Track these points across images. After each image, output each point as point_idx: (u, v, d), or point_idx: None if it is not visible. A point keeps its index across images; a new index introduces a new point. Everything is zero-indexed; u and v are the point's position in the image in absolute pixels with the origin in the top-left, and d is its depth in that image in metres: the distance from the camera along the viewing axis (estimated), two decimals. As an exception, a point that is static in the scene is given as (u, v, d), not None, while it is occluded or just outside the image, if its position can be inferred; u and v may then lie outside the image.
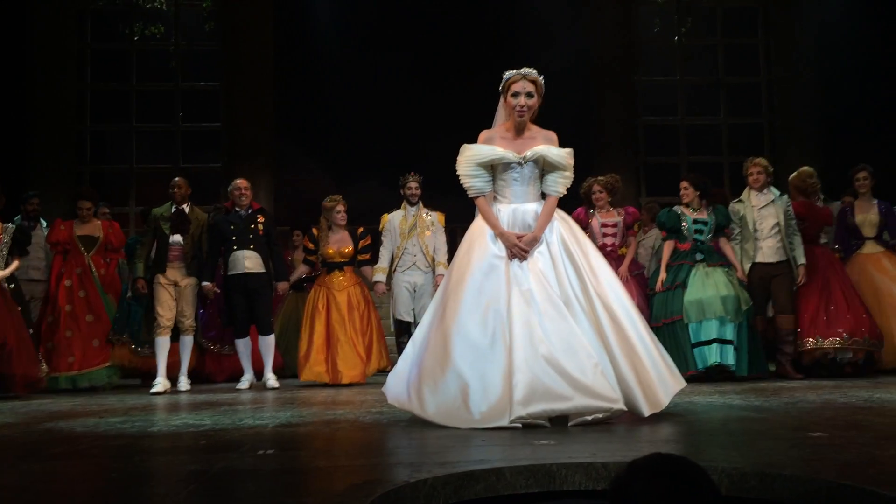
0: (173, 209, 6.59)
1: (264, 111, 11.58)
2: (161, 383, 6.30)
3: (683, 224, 6.28)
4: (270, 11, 11.75)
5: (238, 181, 6.78)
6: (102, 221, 7.27)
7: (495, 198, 3.87)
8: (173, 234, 6.52)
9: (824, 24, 11.45)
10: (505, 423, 3.28)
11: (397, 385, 3.80)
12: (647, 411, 3.46)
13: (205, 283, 6.57)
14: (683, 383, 3.72)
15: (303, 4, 12.18)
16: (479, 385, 3.40)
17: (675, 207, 6.42)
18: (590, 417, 3.34)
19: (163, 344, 6.44)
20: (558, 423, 3.35)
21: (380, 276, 6.91)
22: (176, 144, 11.96)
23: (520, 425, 3.28)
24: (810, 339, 6.18)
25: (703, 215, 6.27)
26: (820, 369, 6.24)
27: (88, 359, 6.76)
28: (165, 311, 6.44)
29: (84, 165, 11.73)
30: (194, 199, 6.86)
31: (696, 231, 6.25)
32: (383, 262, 6.93)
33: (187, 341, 6.56)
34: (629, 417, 3.47)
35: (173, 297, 6.49)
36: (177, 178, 6.73)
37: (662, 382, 3.56)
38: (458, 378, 3.45)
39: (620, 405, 3.38)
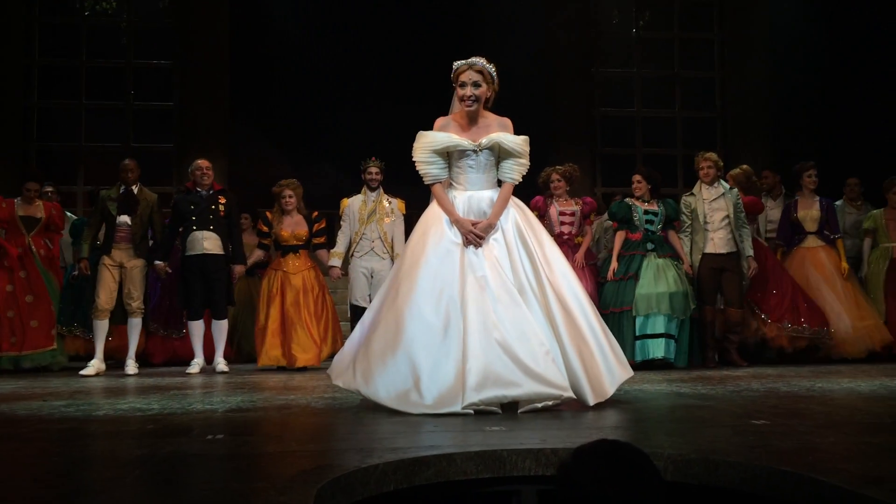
0: (122, 190, 6.47)
1: (218, 92, 11.36)
2: (94, 365, 6.21)
3: (635, 215, 6.43)
4: (227, -11, 11.52)
5: (199, 161, 6.69)
6: (45, 202, 7.10)
7: (451, 185, 3.87)
8: (120, 215, 6.40)
9: (776, 24, 11.67)
10: (457, 408, 3.29)
11: (342, 365, 3.77)
12: (591, 400, 3.49)
13: (157, 262, 6.48)
14: (631, 373, 3.78)
15: (261, -17, 11.97)
16: (432, 370, 3.39)
17: (627, 199, 6.58)
18: (539, 405, 3.37)
19: (101, 327, 6.38)
20: (508, 409, 3.38)
21: (335, 261, 6.87)
22: (126, 123, 11.68)
23: (472, 412, 3.29)
24: (776, 325, 6.54)
25: (654, 207, 6.45)
26: (766, 355, 6.56)
27: (31, 340, 6.64)
28: (105, 293, 6.35)
29: (30, 142, 11.38)
30: (144, 180, 6.75)
31: (647, 221, 6.44)
32: (340, 246, 6.88)
33: (135, 324, 6.47)
34: (577, 405, 3.52)
35: (116, 279, 6.39)
36: (126, 161, 6.62)
37: (609, 372, 3.61)
38: (410, 361, 3.43)
39: (569, 393, 3.42)
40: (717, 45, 12.54)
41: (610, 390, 3.59)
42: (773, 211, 7.56)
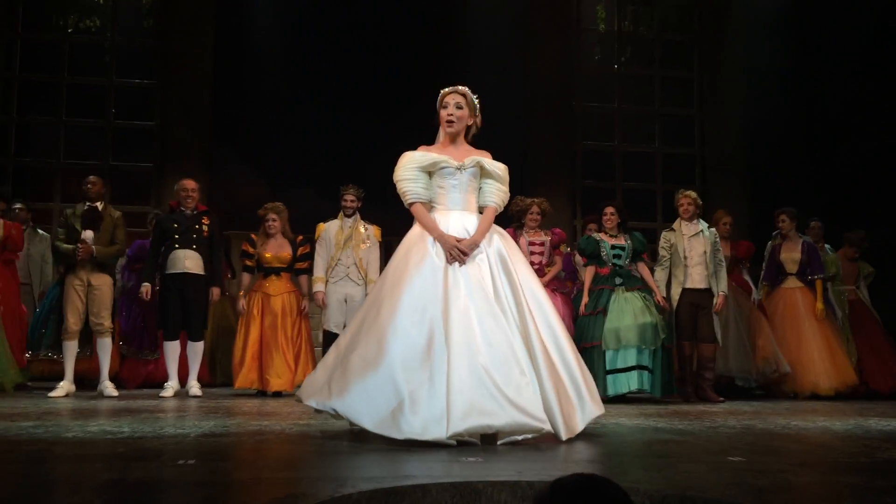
0: (86, 206, 6.41)
1: (200, 113, 11.33)
2: (63, 387, 6.12)
3: (602, 250, 6.51)
4: (212, 11, 11.54)
5: (185, 182, 6.68)
6: (5, 221, 6.99)
7: (432, 207, 3.86)
8: (85, 230, 6.33)
9: (752, 67, 11.91)
10: (443, 436, 3.20)
11: (316, 385, 3.62)
12: (564, 435, 3.43)
13: (144, 285, 6.43)
14: (602, 410, 3.73)
15: (245, 7, 12.01)
16: (416, 394, 3.27)
17: (594, 234, 6.69)
18: (520, 437, 3.32)
19: (70, 348, 6.32)
20: (487, 441, 3.35)
21: (319, 286, 6.80)
22: (106, 141, 11.59)
23: (454, 443, 3.22)
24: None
25: (621, 241, 6.57)
26: (730, 393, 6.82)
27: None
28: (73, 314, 6.28)
29: (6, 158, 11.25)
30: (122, 199, 6.72)
31: (615, 256, 6.53)
32: (319, 271, 6.84)
33: (105, 344, 6.37)
34: (551, 438, 3.47)
35: (83, 299, 6.30)
36: (90, 177, 6.60)
37: (581, 407, 3.58)
38: (393, 381, 3.31)
39: (548, 426, 3.37)
40: (696, 83, 12.75)
41: (580, 426, 3.55)
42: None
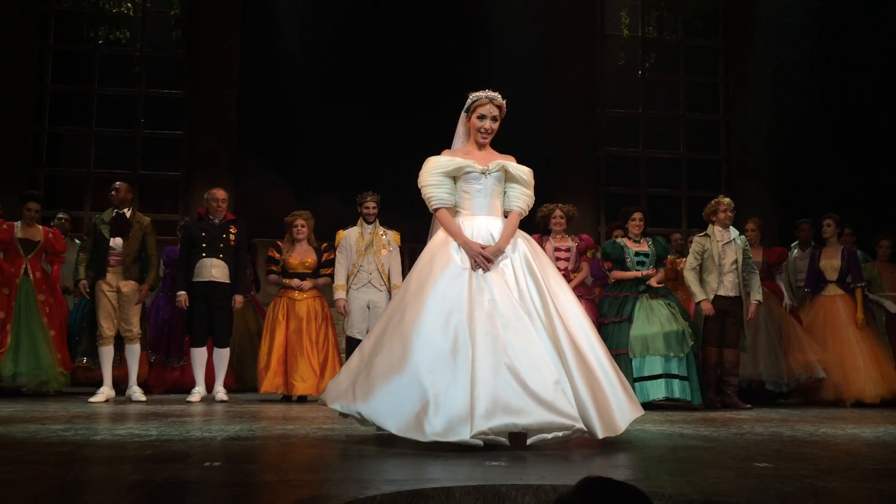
0: (114, 213, 6.49)
1: (227, 122, 11.48)
2: (104, 392, 6.18)
3: (626, 256, 6.50)
4: (238, 22, 11.69)
5: (215, 191, 6.73)
6: (44, 227, 7.10)
7: (457, 212, 3.85)
8: (113, 238, 6.41)
9: (779, 70, 11.80)
10: (467, 436, 3.19)
11: (340, 389, 3.61)
12: (601, 433, 3.40)
13: (179, 293, 6.51)
14: (641, 411, 3.70)
15: (271, 18, 12.15)
16: (440, 394, 3.27)
17: (619, 240, 6.66)
18: (549, 436, 3.29)
19: (106, 353, 6.37)
20: (516, 441, 3.33)
21: (340, 294, 6.82)
22: (135, 151, 11.77)
23: (481, 442, 3.20)
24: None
25: (644, 247, 6.54)
26: (749, 396, 6.71)
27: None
28: (106, 321, 6.34)
29: (39, 168, 11.47)
30: (151, 208, 6.80)
31: (639, 262, 6.49)
32: (341, 278, 6.86)
33: (134, 350, 6.44)
34: (584, 440, 3.45)
35: (115, 304, 6.38)
36: (117, 184, 6.63)
37: (620, 407, 3.53)
38: (419, 384, 3.30)
39: (580, 424, 3.33)
40: (722, 88, 12.67)
41: (621, 426, 3.48)
42: (802, 262, 7.71)
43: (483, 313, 3.44)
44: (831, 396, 6.91)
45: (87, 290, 6.42)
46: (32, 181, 11.12)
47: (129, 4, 11.59)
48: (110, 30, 11.54)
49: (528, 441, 3.30)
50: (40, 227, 7.03)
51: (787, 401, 7.17)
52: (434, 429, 3.22)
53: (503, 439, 3.27)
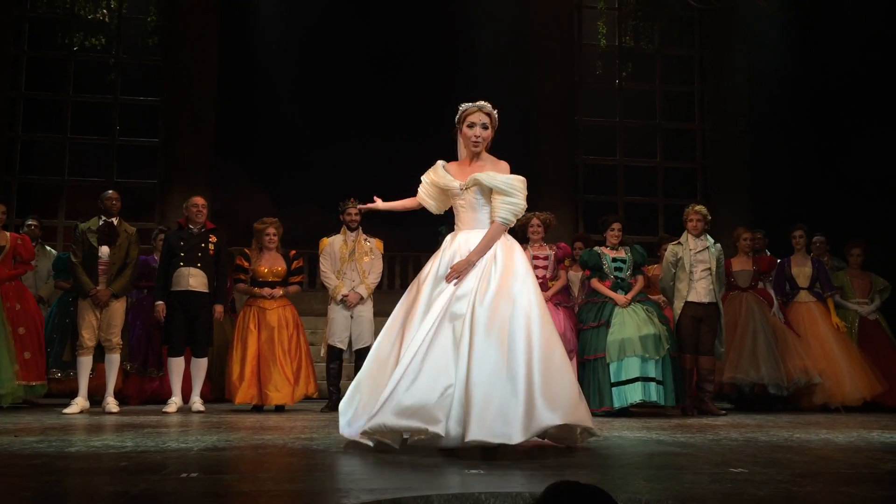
0: (101, 222, 6.43)
1: (204, 129, 11.41)
2: (78, 403, 6.10)
3: (604, 263, 6.57)
4: (216, 29, 11.64)
5: (195, 198, 6.72)
6: (12, 233, 6.99)
7: (455, 227, 3.95)
8: (101, 246, 6.35)
9: (754, 79, 11.95)
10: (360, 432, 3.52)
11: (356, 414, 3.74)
12: (469, 437, 3.21)
13: (157, 303, 6.46)
14: (567, 420, 3.38)
15: (249, 23, 12.12)
16: (369, 399, 3.62)
17: (597, 248, 6.74)
18: (425, 436, 3.36)
19: (84, 364, 6.29)
20: (487, 453, 3.35)
21: (345, 290, 6.80)
22: (111, 158, 11.67)
23: (371, 443, 3.49)
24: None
25: (622, 254, 6.63)
26: (751, 401, 6.93)
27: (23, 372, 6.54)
28: (88, 331, 6.28)
29: (12, 175, 11.33)
30: (126, 215, 6.74)
31: (616, 269, 6.58)
32: (333, 280, 6.86)
33: (114, 360, 6.37)
34: (559, 449, 3.47)
35: (97, 315, 6.32)
36: (109, 192, 6.57)
37: (528, 415, 3.29)
38: (359, 391, 3.75)
39: (435, 428, 3.26)
40: (698, 97, 12.81)
41: (517, 435, 3.25)
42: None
43: (415, 319, 3.63)
44: (821, 401, 7.04)
45: (108, 296, 6.30)
46: (5, 188, 11.00)
47: (104, 11, 11.51)
48: (86, 36, 11.46)
49: (405, 439, 3.51)
50: (7, 232, 6.91)
51: (784, 405, 7.25)
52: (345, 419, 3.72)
53: (386, 440, 3.46)
